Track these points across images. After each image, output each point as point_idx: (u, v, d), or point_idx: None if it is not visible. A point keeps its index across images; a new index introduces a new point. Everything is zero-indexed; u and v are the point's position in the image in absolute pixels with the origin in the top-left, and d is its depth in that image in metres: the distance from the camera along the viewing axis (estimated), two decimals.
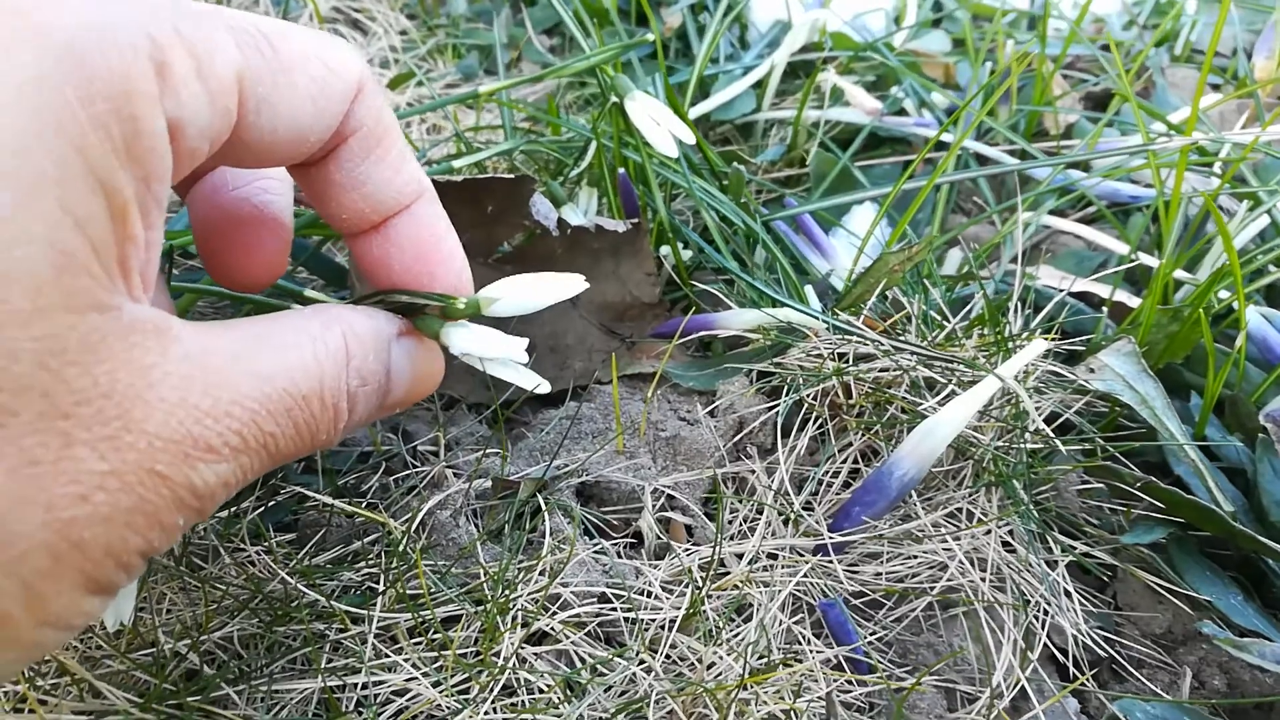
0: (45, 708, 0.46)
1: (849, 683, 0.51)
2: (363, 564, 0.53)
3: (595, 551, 0.57)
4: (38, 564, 0.27)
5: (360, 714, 0.48)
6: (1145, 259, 0.71)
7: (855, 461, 0.58)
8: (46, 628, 0.28)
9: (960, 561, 0.54)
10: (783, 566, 0.54)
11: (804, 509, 0.57)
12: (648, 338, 0.72)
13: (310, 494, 0.57)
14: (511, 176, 0.65)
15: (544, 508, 0.55)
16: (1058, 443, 0.53)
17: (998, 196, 0.84)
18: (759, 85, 0.91)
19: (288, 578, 0.51)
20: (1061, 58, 0.85)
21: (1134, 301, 0.68)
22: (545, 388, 0.44)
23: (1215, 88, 0.97)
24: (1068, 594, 0.54)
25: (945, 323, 0.61)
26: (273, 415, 0.32)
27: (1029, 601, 0.53)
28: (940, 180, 0.69)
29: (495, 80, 0.91)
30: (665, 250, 0.75)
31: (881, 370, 0.57)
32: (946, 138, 0.85)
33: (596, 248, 0.71)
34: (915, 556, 0.55)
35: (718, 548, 0.53)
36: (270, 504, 0.57)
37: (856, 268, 0.68)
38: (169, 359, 0.30)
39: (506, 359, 0.43)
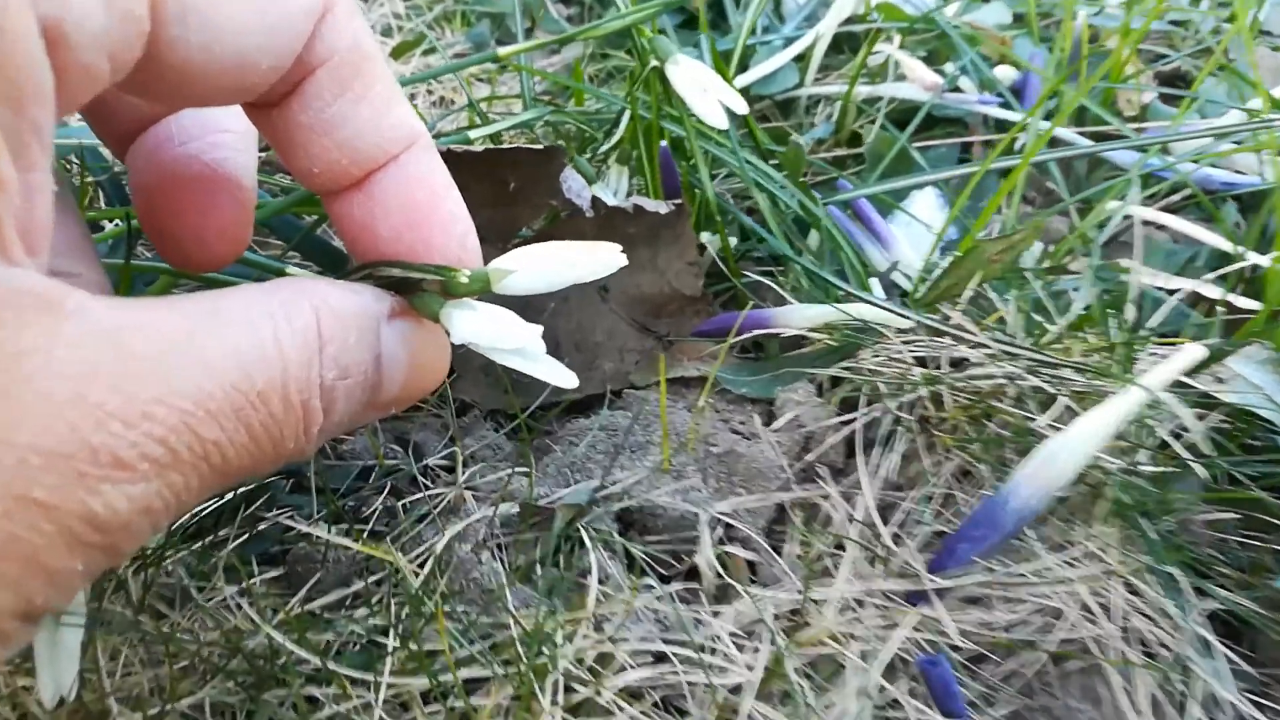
0: None
1: None
2: (366, 609, 0.44)
3: (644, 590, 0.47)
4: None
5: None
6: (1254, 257, 0.62)
7: (950, 488, 0.49)
8: None
9: (1080, 608, 0.45)
10: (872, 615, 0.45)
11: (891, 542, 0.48)
12: (689, 337, 0.63)
13: (298, 523, 0.48)
14: (540, 147, 0.56)
15: (587, 541, 0.46)
16: (1197, 466, 0.44)
17: (1067, 184, 0.75)
18: (800, 59, 0.82)
19: (273, 632, 0.41)
20: (1144, 30, 0.77)
21: (1245, 302, 0.60)
22: (573, 382, 0.35)
23: None
24: (1207, 646, 0.45)
25: (1045, 324, 0.52)
26: (214, 417, 0.25)
27: (1171, 661, 0.45)
28: (1038, 159, 0.61)
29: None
30: (706, 237, 0.66)
31: (985, 378, 0.48)
32: (1010, 116, 0.76)
33: (631, 233, 0.62)
34: (1023, 601, 0.46)
35: (805, 593, 0.44)
36: (253, 531, 0.48)
37: (931, 258, 0.60)
38: (59, 341, 0.22)
39: (523, 348, 0.34)
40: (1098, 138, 0.77)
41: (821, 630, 0.43)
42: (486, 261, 0.37)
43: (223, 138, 0.35)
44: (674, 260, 0.62)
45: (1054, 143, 0.76)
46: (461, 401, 0.60)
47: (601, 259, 0.35)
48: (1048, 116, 0.80)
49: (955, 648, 0.46)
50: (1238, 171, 0.73)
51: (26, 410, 0.21)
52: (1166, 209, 0.73)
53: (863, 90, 0.78)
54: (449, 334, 0.34)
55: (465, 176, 0.60)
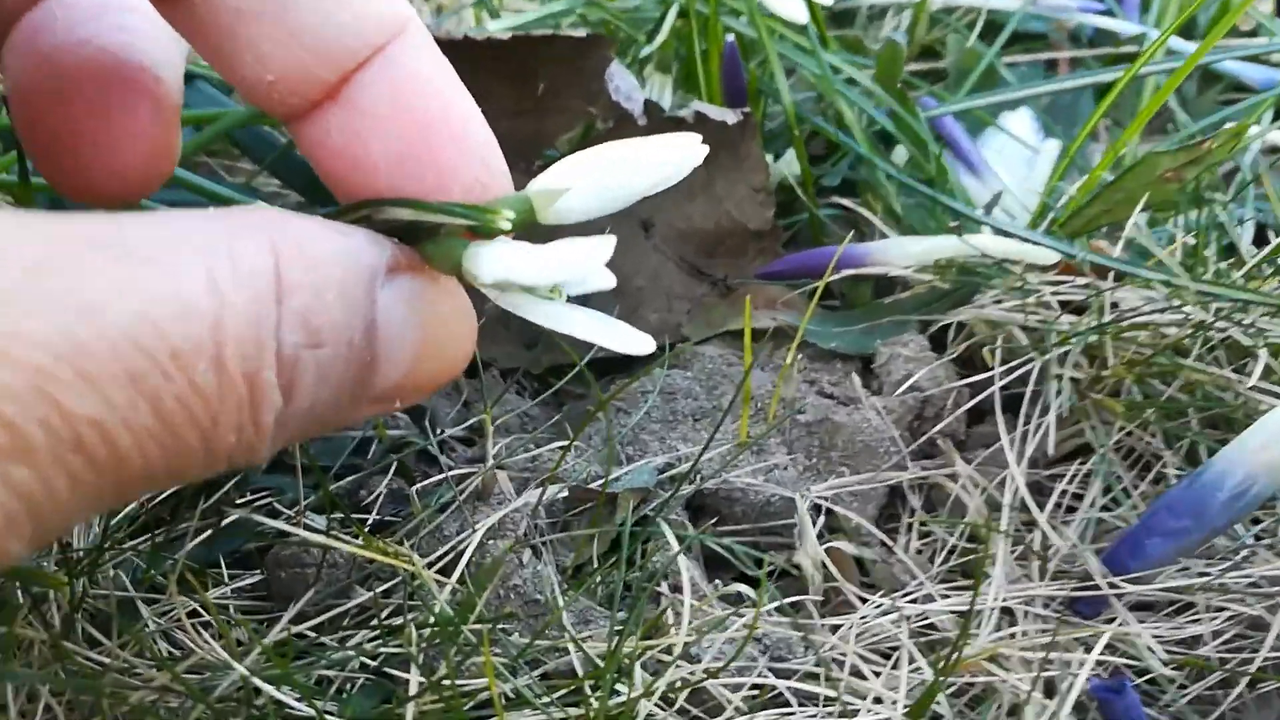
0: None
1: None
2: (373, 629, 0.33)
3: (721, 598, 0.37)
4: None
5: None
6: None
7: (1112, 469, 0.39)
8: None
9: None
10: (1028, 627, 0.35)
11: (1051, 532, 0.37)
12: (752, 279, 0.52)
13: (279, 513, 0.36)
14: (581, 34, 0.44)
15: (668, 534, 0.35)
16: None
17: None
18: None
19: (243, 669, 0.30)
20: None
21: None
22: (648, 346, 0.25)
23: None
24: None
25: (1212, 261, 0.42)
26: (93, 382, 0.17)
27: None
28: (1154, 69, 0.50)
29: None
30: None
31: (1160, 326, 0.38)
32: (1116, 26, 0.65)
33: None
34: (1222, 610, 0.36)
35: (972, 603, 0.33)
36: (219, 524, 0.36)
37: (1054, 183, 0.49)
38: None
39: (588, 283, 0.24)
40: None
41: (982, 651, 0.33)
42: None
43: (129, 18, 0.28)
44: (736, 185, 0.51)
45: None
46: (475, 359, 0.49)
47: (678, 154, 0.25)
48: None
49: (1137, 667, 0.36)
50: None
51: None
52: None
53: None
54: (476, 281, 0.24)
55: (481, 76, 0.48)
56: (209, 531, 0.36)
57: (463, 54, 0.48)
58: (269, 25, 0.24)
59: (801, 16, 0.46)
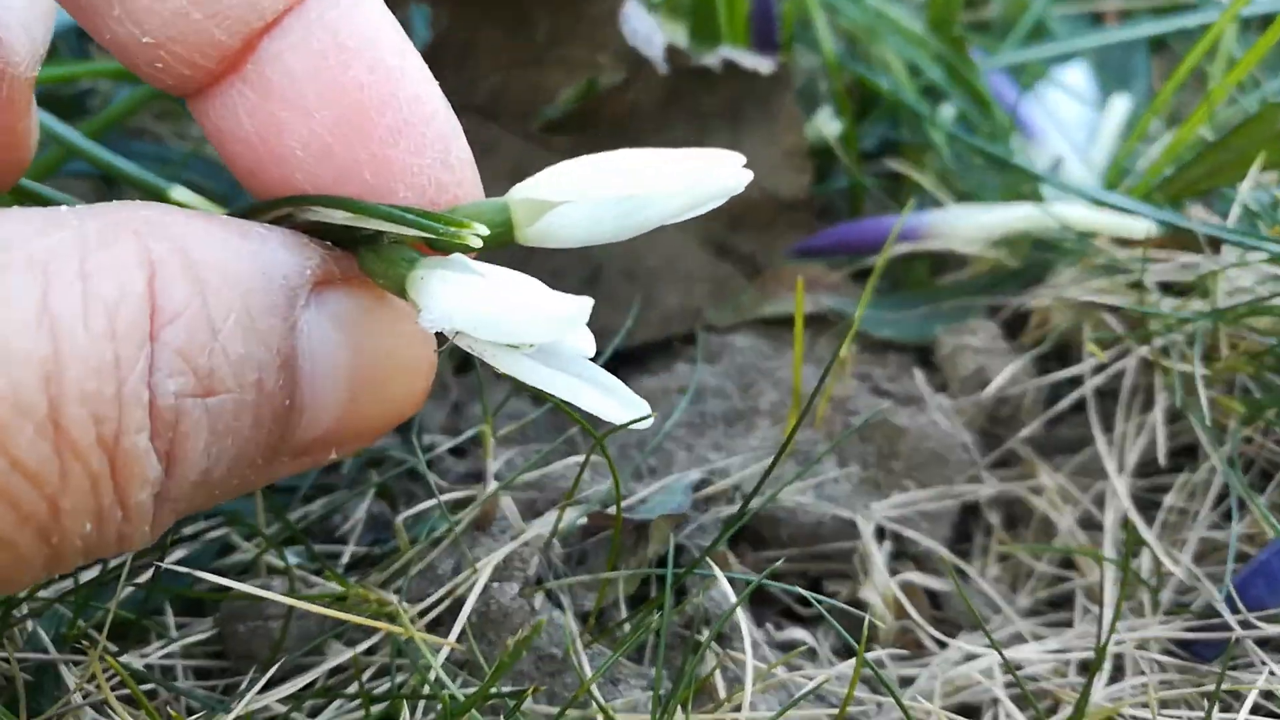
0: None
1: None
2: (353, 699, 0.27)
3: (773, 644, 0.31)
4: None
5: None
6: None
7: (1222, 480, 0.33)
8: None
9: None
10: (1148, 678, 0.29)
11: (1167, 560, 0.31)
12: (785, 257, 0.45)
13: (230, 551, 0.30)
14: None
15: (717, 575, 0.29)
16: None
17: None
18: None
19: None
20: None
21: None
22: (648, 418, 0.22)
23: None
24: None
25: None
26: None
27: None
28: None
29: None
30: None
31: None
32: None
33: (706, 108, 0.44)
34: None
35: (1102, 648, 0.27)
36: (159, 564, 0.30)
37: (1134, 145, 0.42)
38: None
39: (558, 342, 0.20)
40: None
41: (1099, 713, 0.27)
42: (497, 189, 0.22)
43: None
44: (766, 146, 0.44)
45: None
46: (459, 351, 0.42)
47: (719, 177, 0.22)
48: None
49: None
50: None
51: None
52: None
53: None
54: (419, 316, 0.19)
55: (476, 19, 0.41)
56: (149, 572, 0.30)
57: None
58: None
59: None
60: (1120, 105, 0.48)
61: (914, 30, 0.44)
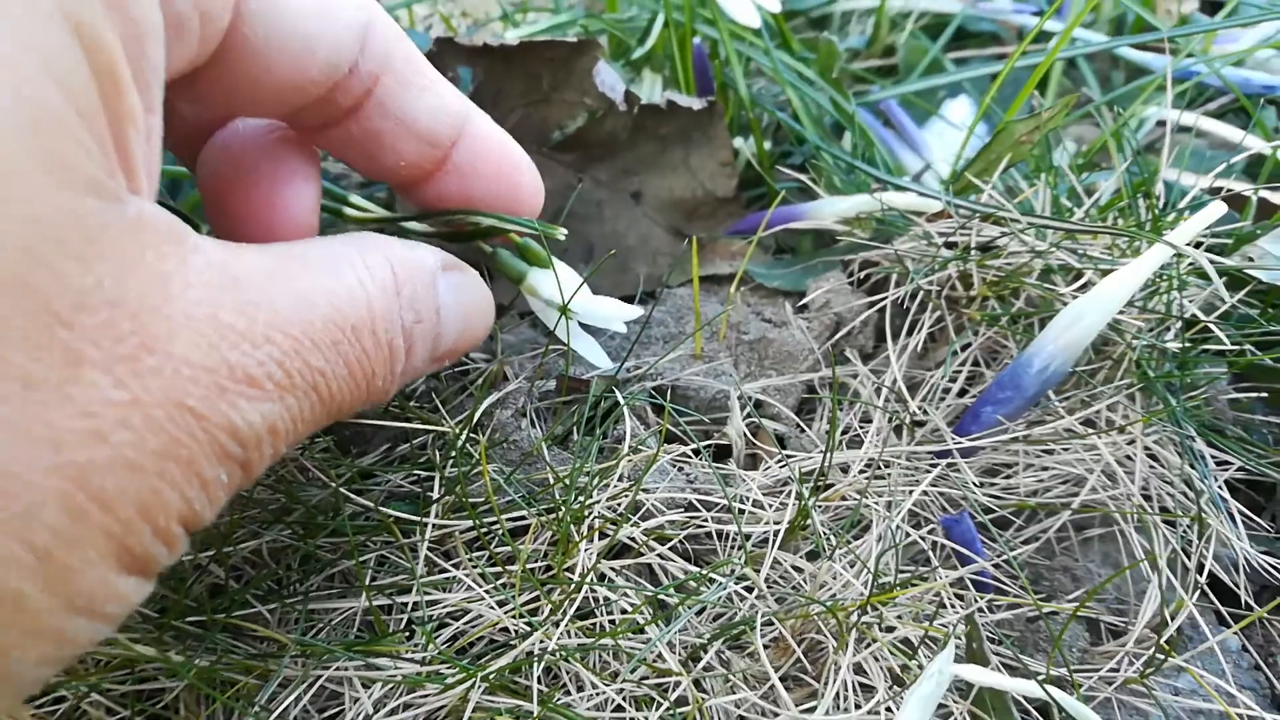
0: None
1: (981, 609, 0.43)
2: (411, 468, 0.46)
3: (677, 458, 0.49)
4: (52, 522, 0.21)
5: (411, 637, 0.41)
6: None
7: (975, 364, 0.50)
8: (75, 614, 0.22)
9: (1101, 474, 0.46)
10: (897, 478, 0.46)
11: (918, 415, 0.49)
12: (723, 235, 0.64)
13: None
14: (573, 40, 0.57)
15: (622, 404, 0.47)
16: (1221, 334, 0.45)
17: (1103, 92, 0.75)
18: None
19: (329, 481, 0.43)
20: None
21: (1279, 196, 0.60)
22: (607, 363, 0.45)
23: None
24: (1229, 514, 0.46)
25: (1074, 208, 0.53)
26: (319, 348, 0.27)
27: (1188, 522, 0.46)
28: (1063, 55, 0.60)
29: None
30: (738, 142, 0.67)
31: (1011, 255, 0.49)
32: (1046, 26, 0.76)
33: (664, 133, 0.63)
34: (1047, 469, 0.47)
35: (829, 453, 0.45)
36: None
37: (964, 154, 0.60)
38: (190, 269, 0.24)
39: (611, 317, 0.42)
40: (1137, 50, 0.76)
41: (847, 485, 0.45)
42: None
43: (288, 131, 0.36)
44: (707, 160, 0.63)
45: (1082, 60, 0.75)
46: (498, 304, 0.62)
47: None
48: (1085, 27, 0.79)
49: (985, 509, 0.47)
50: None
51: (176, 327, 0.23)
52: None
53: (896, 2, 0.78)
54: (533, 293, 0.40)
55: (501, 75, 0.62)
56: None
57: (484, 58, 0.62)
58: (403, 130, 0.35)
59: (754, 21, 0.58)
60: (960, 109, 0.65)
61: (809, 75, 0.63)
